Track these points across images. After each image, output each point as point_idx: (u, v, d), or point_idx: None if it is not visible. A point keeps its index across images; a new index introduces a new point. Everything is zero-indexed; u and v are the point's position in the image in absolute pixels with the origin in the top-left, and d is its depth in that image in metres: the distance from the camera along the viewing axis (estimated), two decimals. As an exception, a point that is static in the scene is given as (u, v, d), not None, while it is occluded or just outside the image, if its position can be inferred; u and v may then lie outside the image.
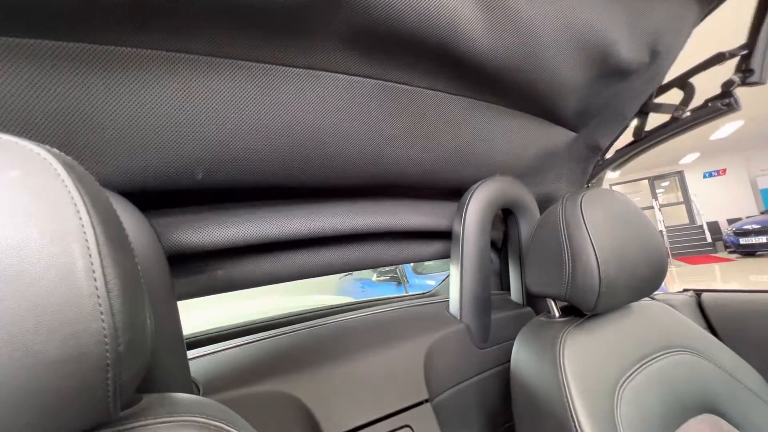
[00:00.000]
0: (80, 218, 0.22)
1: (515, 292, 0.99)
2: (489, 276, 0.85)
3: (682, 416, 0.57)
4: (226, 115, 0.48)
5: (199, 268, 0.59)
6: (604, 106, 0.85)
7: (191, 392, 0.47)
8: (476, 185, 0.85)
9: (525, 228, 0.93)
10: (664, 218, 8.44)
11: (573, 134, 0.92)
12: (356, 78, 0.54)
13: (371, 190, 0.76)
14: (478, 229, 0.84)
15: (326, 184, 0.66)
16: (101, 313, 0.22)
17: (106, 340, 0.22)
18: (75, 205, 0.22)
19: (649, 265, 0.62)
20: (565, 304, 0.70)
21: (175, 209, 0.57)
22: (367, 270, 5.57)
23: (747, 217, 7.53)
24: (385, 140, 0.64)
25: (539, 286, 0.66)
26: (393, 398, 0.63)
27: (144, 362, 0.26)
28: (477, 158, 0.80)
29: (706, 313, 0.94)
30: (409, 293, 1.26)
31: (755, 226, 6.65)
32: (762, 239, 6.49)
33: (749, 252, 6.76)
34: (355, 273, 6.05)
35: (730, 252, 7.26)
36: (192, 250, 0.54)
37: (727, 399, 0.61)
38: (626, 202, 0.65)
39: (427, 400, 0.66)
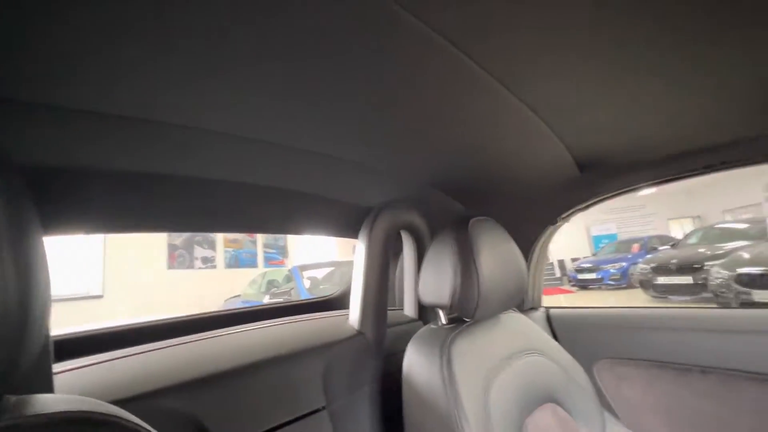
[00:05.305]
0: None
1: (409, 307, 1.08)
2: (387, 291, 0.92)
3: (533, 404, 0.70)
4: None
5: None
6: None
7: None
8: (380, 208, 0.93)
9: (419, 248, 1.04)
10: (527, 255, 9.98)
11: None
12: None
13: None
14: (381, 248, 0.91)
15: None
16: None
17: None
18: None
19: (514, 283, 0.76)
20: (451, 316, 0.80)
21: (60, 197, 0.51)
22: (258, 292, 5.23)
23: (584, 258, 9.38)
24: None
25: (430, 296, 0.75)
26: (290, 407, 0.63)
27: (3, 359, 0.24)
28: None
29: (552, 324, 1.16)
30: (307, 298, 1.27)
31: (588, 265, 8.33)
32: (593, 276, 8.14)
33: (584, 285, 8.38)
34: (242, 295, 5.64)
35: (572, 285, 8.90)
36: None
37: (564, 391, 0.77)
38: (501, 230, 0.79)
39: (324, 407, 0.67)
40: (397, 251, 1.15)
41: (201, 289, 5.97)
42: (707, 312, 0.96)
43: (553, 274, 10.04)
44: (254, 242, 7.12)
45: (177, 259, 6.18)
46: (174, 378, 0.55)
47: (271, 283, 5.53)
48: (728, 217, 7.54)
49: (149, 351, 0.63)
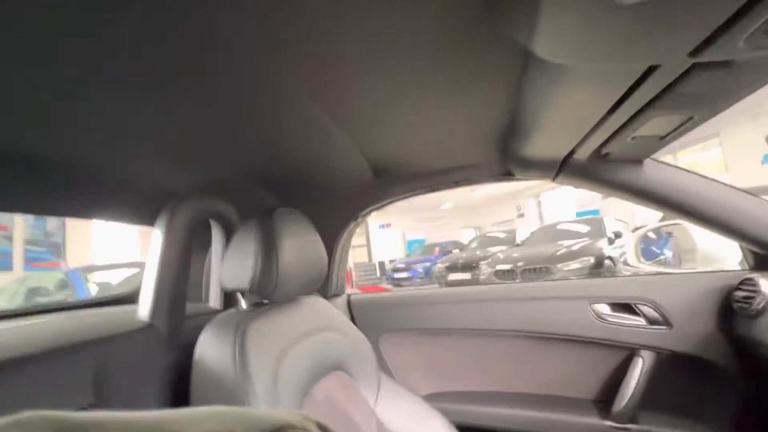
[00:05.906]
0: None
1: (214, 299, 1.05)
2: (186, 281, 0.88)
3: (322, 373, 0.80)
4: None
5: None
6: None
7: None
8: (185, 194, 0.88)
9: (229, 239, 1.03)
10: (353, 256, 10.79)
11: None
12: None
13: None
14: (183, 235, 0.86)
15: None
16: None
17: None
18: None
19: (314, 269, 0.85)
20: (252, 301, 0.84)
21: None
22: (13, 304, 3.95)
23: (399, 259, 10.82)
24: None
25: (232, 282, 0.77)
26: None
27: None
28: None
29: (351, 307, 1.34)
30: (89, 299, 1.06)
31: (402, 265, 9.68)
32: (405, 274, 9.48)
33: (398, 283, 9.66)
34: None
35: (389, 283, 10.11)
36: None
37: (350, 361, 0.90)
38: (305, 222, 0.87)
39: (91, 406, 0.60)
40: (207, 243, 1.10)
41: None
42: (456, 290, 1.31)
43: (375, 274, 11.17)
44: (9, 238, 5.23)
45: None
46: None
47: (34, 292, 4.21)
48: (495, 228, 10.07)
49: None
